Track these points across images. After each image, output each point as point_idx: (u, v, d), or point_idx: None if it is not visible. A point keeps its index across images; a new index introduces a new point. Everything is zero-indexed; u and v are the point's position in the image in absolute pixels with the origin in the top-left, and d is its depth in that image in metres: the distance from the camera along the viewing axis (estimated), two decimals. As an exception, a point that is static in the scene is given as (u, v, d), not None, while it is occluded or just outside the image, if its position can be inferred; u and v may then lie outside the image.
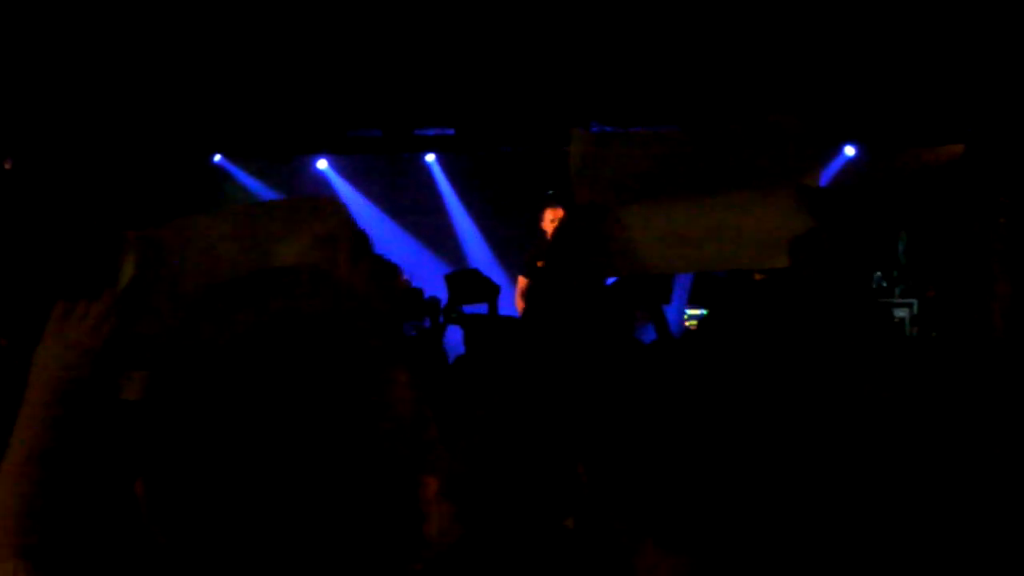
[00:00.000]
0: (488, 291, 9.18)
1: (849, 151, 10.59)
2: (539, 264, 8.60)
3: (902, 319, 8.24)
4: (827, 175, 10.93)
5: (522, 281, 8.87)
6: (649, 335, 7.71)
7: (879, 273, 8.78)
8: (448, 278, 9.53)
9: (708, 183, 1.70)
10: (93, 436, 1.60)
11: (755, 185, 1.68)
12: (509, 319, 8.23)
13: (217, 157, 10.86)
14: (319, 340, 0.87)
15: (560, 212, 8.95)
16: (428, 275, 11.06)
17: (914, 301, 8.47)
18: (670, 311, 7.12)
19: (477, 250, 11.52)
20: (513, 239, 10.57)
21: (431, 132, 9.74)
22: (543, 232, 9.09)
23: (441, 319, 9.17)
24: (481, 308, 9.39)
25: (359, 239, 1.64)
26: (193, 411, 0.84)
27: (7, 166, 8.10)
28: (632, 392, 1.53)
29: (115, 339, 1.53)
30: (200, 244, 1.66)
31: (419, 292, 9.66)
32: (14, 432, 1.43)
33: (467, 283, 9.33)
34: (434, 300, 9.50)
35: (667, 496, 1.30)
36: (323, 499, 0.83)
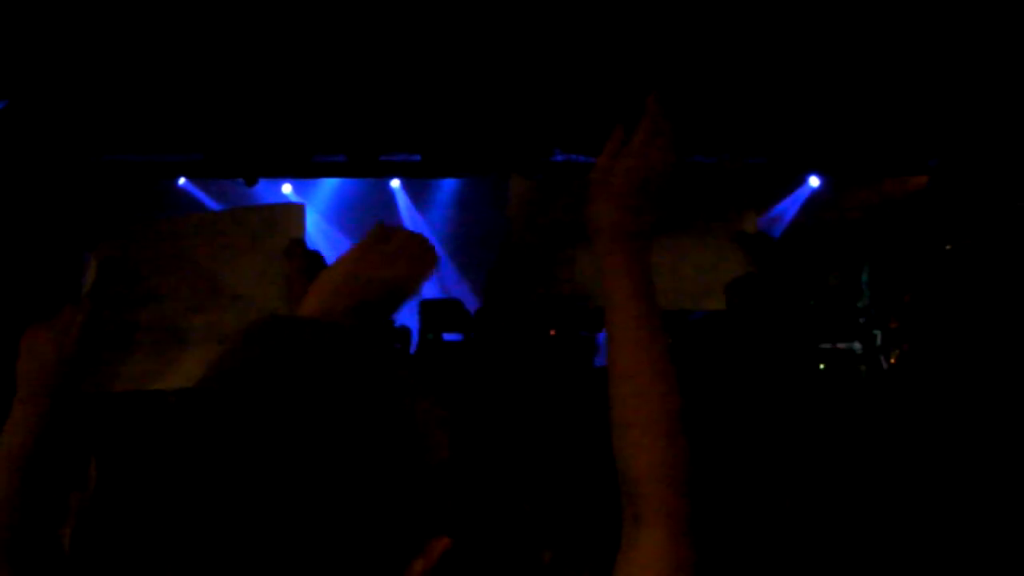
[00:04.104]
0: (464, 322, 9.19)
1: (814, 182, 10.66)
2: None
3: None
4: (792, 206, 11.01)
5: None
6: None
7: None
8: (423, 304, 9.52)
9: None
10: (67, 442, 1.62)
11: (693, 228, 1.69)
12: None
13: (182, 180, 10.79)
14: (357, 371, 0.84)
15: None
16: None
17: (877, 332, 8.50)
18: None
19: (443, 278, 11.50)
20: (479, 267, 10.58)
21: (397, 158, 9.71)
22: None
23: (413, 349, 9.14)
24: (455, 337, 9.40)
25: (312, 256, 1.65)
26: (221, 436, 0.80)
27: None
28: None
29: (82, 348, 1.57)
30: (163, 249, 1.69)
31: (389, 321, 9.60)
32: None
33: (444, 312, 9.32)
34: (404, 329, 9.47)
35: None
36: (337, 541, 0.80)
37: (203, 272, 1.70)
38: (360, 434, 0.80)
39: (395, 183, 11.34)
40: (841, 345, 8.02)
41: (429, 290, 11.21)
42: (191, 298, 1.68)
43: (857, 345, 8.19)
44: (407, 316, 9.91)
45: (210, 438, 0.80)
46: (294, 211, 1.74)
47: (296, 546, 0.78)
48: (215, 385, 0.83)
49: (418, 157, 9.44)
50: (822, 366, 7.95)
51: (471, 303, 10.06)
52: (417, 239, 1.43)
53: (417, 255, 1.41)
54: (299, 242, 1.69)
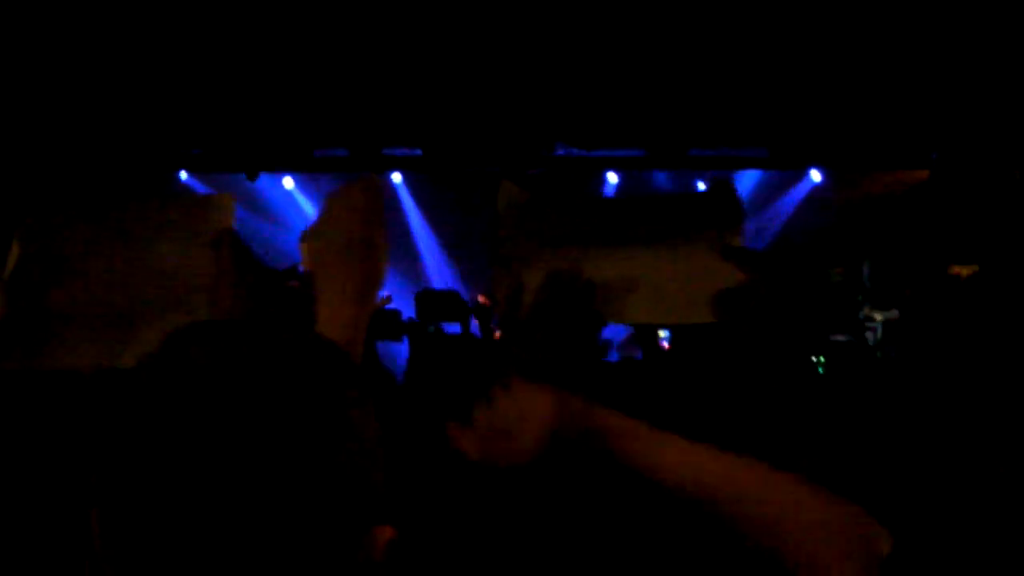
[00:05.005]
0: (462, 312, 9.21)
1: (815, 176, 10.66)
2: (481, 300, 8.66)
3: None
4: (793, 200, 11.00)
5: (482, 299, 8.87)
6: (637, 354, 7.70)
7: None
8: (419, 296, 9.53)
9: (636, 240, 1.71)
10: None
11: (681, 243, 1.69)
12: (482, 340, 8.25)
13: (184, 175, 10.80)
14: (294, 375, 0.85)
15: None
16: (395, 296, 11.05)
17: (879, 325, 8.50)
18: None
19: (442, 271, 11.51)
20: (477, 260, 10.58)
21: (398, 152, 9.71)
22: None
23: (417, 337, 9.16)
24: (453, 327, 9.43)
25: (241, 248, 1.66)
26: (157, 435, 0.81)
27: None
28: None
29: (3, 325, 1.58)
30: (90, 233, 1.70)
31: (397, 313, 9.65)
32: None
33: (441, 303, 9.36)
34: (412, 322, 9.50)
35: None
36: (275, 538, 0.81)
37: (129, 256, 1.71)
38: (285, 436, 0.81)
39: (396, 177, 11.35)
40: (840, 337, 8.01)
41: (428, 283, 11.21)
42: (115, 281, 1.68)
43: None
44: (405, 307, 9.94)
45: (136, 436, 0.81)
46: (224, 201, 1.75)
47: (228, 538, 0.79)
48: (149, 383, 0.84)
49: (419, 151, 9.44)
50: (822, 359, 7.95)
51: (469, 297, 10.08)
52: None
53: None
54: (228, 231, 1.69)
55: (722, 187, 1.73)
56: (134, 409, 0.83)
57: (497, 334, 8.75)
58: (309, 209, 11.35)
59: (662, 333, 7.67)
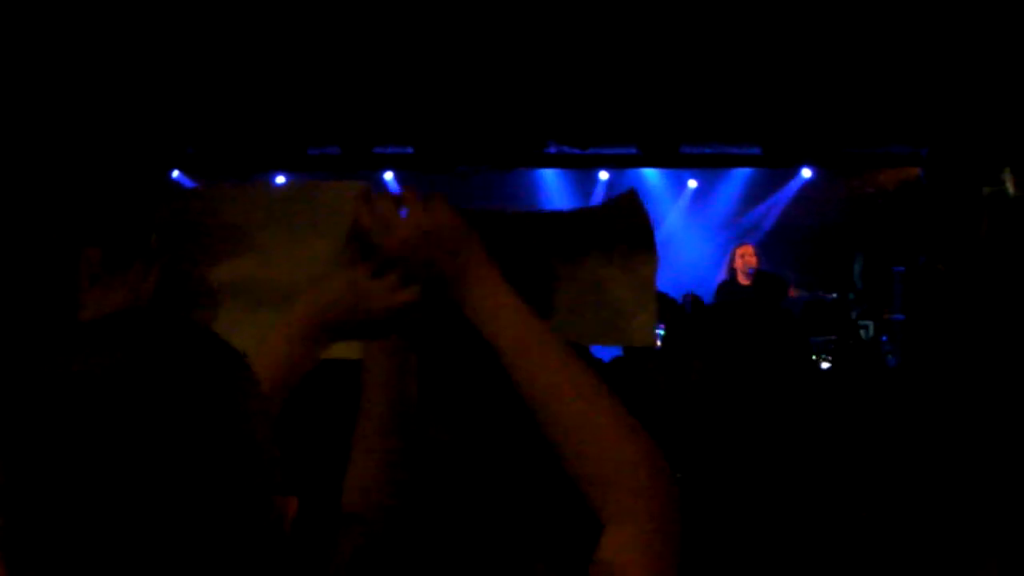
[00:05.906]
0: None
1: (806, 173, 10.67)
2: None
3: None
4: (785, 197, 11.02)
5: None
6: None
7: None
8: None
9: (556, 256, 1.67)
10: None
11: (585, 260, 1.64)
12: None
13: (175, 173, 10.78)
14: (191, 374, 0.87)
15: None
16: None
17: (870, 323, 8.53)
18: None
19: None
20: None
21: (389, 150, 9.70)
22: None
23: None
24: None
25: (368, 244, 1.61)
26: (55, 443, 0.82)
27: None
28: None
29: (155, 298, 1.56)
30: (223, 213, 1.67)
31: None
32: None
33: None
34: None
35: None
36: (180, 527, 0.83)
37: (258, 241, 1.68)
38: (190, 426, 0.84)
39: (388, 176, 11.35)
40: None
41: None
42: (242, 264, 1.66)
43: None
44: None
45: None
46: (360, 191, 1.71)
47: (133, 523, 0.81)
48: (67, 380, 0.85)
49: (411, 150, 9.43)
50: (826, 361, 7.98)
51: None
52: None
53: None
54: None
55: (626, 200, 1.69)
56: (21, 414, 0.83)
57: None
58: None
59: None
